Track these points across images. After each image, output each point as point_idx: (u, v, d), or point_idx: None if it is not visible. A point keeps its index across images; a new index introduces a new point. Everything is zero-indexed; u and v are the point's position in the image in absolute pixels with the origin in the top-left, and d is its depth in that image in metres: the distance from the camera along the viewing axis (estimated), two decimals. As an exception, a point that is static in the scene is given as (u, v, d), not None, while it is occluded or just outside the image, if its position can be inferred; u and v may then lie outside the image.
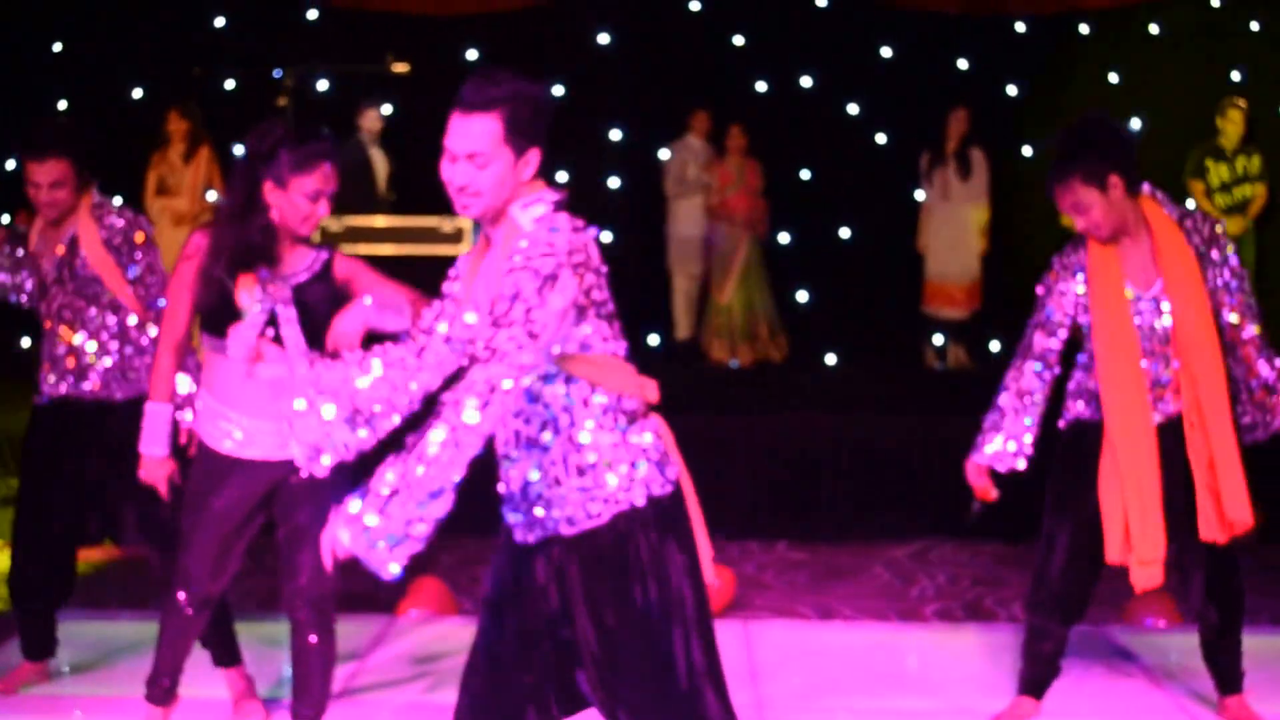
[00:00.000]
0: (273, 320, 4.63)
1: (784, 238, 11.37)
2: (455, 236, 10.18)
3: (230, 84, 11.86)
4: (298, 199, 4.54)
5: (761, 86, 11.88)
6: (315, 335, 4.58)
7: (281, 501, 4.79)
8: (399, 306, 4.22)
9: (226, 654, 5.35)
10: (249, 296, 4.60)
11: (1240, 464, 4.79)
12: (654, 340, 11.48)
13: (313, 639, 4.82)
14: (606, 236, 11.73)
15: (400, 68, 11.51)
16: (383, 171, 10.87)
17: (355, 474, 4.78)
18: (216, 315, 4.66)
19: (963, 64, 11.83)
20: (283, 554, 4.83)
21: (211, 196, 10.56)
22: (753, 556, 8.19)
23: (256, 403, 4.67)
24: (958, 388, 9.94)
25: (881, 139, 11.85)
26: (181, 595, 4.78)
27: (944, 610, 7.22)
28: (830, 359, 11.25)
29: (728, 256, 11.07)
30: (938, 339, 11.15)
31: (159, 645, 4.89)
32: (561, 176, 11.72)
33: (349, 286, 4.71)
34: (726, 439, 8.73)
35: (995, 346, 11.43)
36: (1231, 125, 10.63)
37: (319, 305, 4.64)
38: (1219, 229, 4.94)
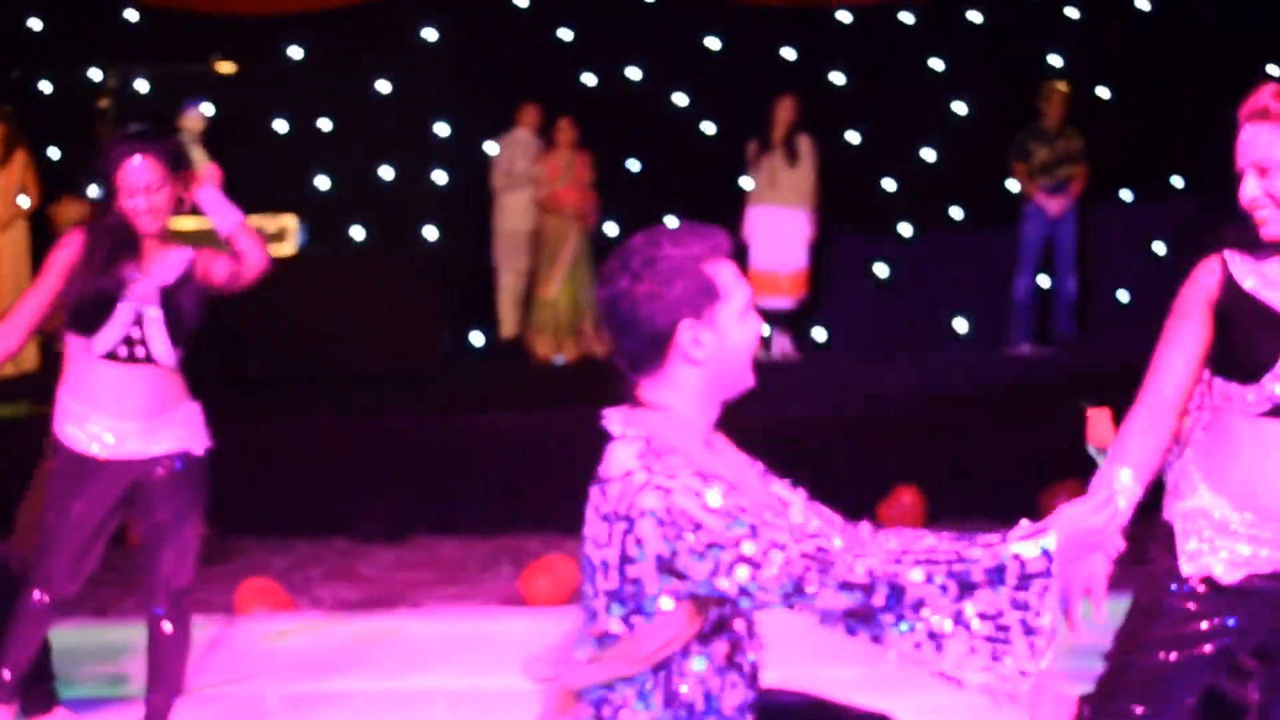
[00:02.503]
0: (139, 321, 4.71)
1: (613, 229, 11.36)
2: (279, 236, 10.09)
3: (47, 86, 11.64)
4: (125, 197, 4.64)
5: (589, 79, 11.86)
6: (181, 336, 4.77)
7: (142, 498, 4.85)
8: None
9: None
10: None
11: None
12: (479, 339, 11.44)
13: (168, 629, 4.91)
14: (432, 233, 11.67)
15: (227, 67, 11.39)
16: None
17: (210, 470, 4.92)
18: (87, 313, 4.70)
19: (788, 54, 11.89)
20: (143, 549, 4.90)
21: (24, 201, 10.35)
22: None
23: (124, 403, 4.74)
24: (785, 378, 10.00)
25: (709, 129, 11.88)
26: (38, 594, 4.82)
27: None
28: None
29: (556, 249, 11.02)
30: (764, 329, 11.14)
31: (7, 643, 4.88)
32: (387, 173, 11.67)
33: (208, 281, 4.86)
34: (552, 434, 8.69)
35: (821, 336, 11.53)
36: (1052, 108, 10.85)
37: (185, 307, 4.78)
38: None
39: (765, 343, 11.15)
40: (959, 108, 11.68)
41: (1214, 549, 3.20)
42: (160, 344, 4.75)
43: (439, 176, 11.83)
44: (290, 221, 10.10)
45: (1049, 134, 10.82)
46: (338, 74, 11.60)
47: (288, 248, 9.93)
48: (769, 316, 11.06)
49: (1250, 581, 3.19)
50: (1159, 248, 11.43)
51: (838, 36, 11.87)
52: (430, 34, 11.76)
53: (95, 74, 11.56)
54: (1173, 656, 3.21)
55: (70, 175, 11.09)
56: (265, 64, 11.74)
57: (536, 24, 11.91)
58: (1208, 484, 3.24)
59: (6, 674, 4.86)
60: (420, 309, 10.22)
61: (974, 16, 11.84)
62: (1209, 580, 3.20)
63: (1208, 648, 3.20)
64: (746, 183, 11.10)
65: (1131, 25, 11.68)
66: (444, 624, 6.83)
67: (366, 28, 11.46)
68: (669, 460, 2.63)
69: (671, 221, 11.80)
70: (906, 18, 11.84)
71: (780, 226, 10.89)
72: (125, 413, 4.76)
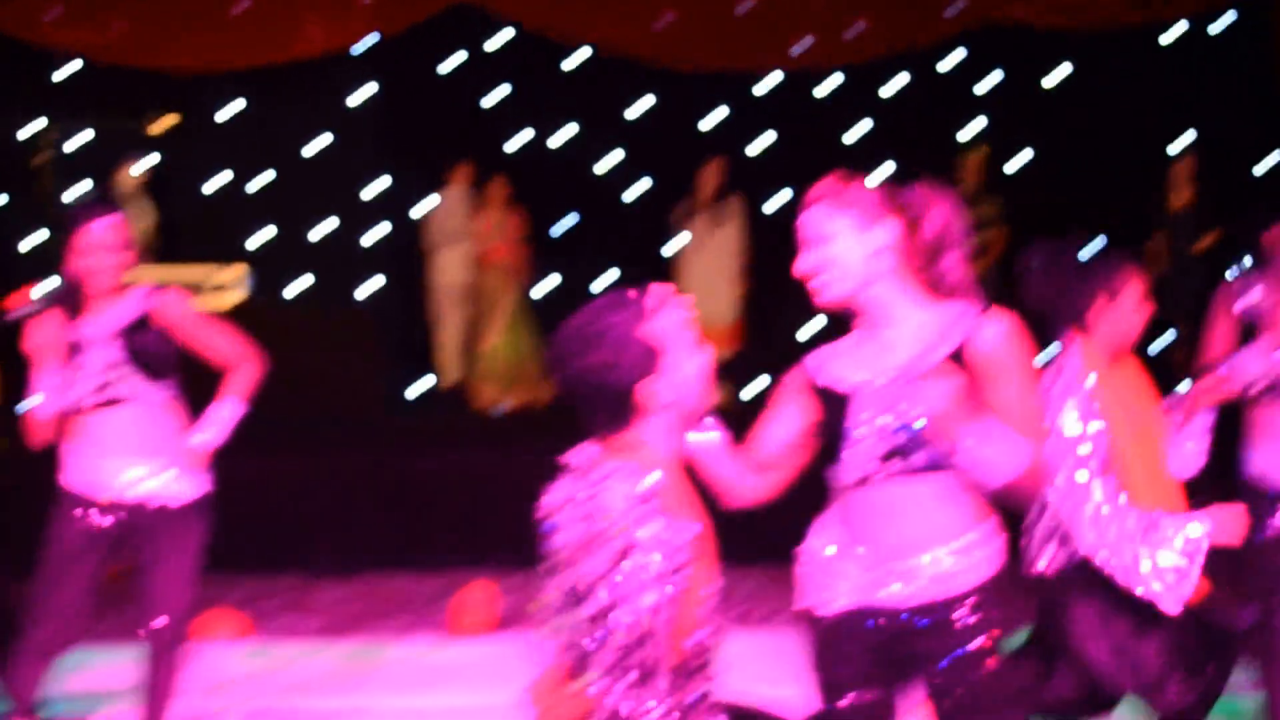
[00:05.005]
0: (110, 365, 4.99)
1: (547, 285, 11.63)
2: (223, 286, 10.27)
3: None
4: (76, 258, 4.98)
5: (521, 140, 12.15)
6: (157, 370, 5.03)
7: (139, 535, 5.07)
8: None
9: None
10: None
11: None
12: (421, 387, 11.65)
13: (160, 656, 5.11)
14: (371, 286, 11.89)
15: (165, 123, 11.56)
16: (144, 224, 10.86)
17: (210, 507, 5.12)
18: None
19: (714, 118, 12.26)
20: (139, 581, 5.10)
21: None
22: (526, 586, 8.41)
23: (117, 444, 5.00)
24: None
25: (638, 190, 12.20)
26: (44, 633, 5.03)
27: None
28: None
29: (492, 303, 11.29)
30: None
31: (13, 682, 5.07)
32: (324, 228, 11.89)
33: (170, 330, 5.10)
34: (495, 476, 8.93)
35: (763, 384, 11.81)
36: (970, 173, 11.23)
37: (150, 344, 5.03)
38: None
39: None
40: (879, 173, 12.08)
41: None
42: (125, 384, 5.00)
43: (376, 232, 12.07)
44: (236, 272, 10.29)
45: (966, 200, 11.18)
46: (273, 131, 11.83)
47: (234, 297, 10.11)
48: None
49: None
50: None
51: (762, 103, 12.25)
52: (364, 93, 12.01)
53: (33, 127, 11.69)
54: None
55: (7, 225, 11.23)
56: (202, 120, 11.93)
57: (468, 85, 12.21)
58: None
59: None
60: (362, 358, 10.42)
61: (892, 87, 12.29)
62: None
63: None
64: (675, 243, 11.42)
65: (1043, 95, 12.20)
66: (397, 650, 7.25)
67: (301, 86, 11.66)
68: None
69: (602, 283, 12.15)
70: (827, 87, 12.25)
71: (709, 284, 11.20)
72: (119, 453, 5.00)
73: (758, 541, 8.67)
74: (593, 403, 2.97)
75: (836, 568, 3.45)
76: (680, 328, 3.00)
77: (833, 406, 3.42)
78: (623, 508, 2.89)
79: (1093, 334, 4.41)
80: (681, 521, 2.90)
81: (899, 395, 3.29)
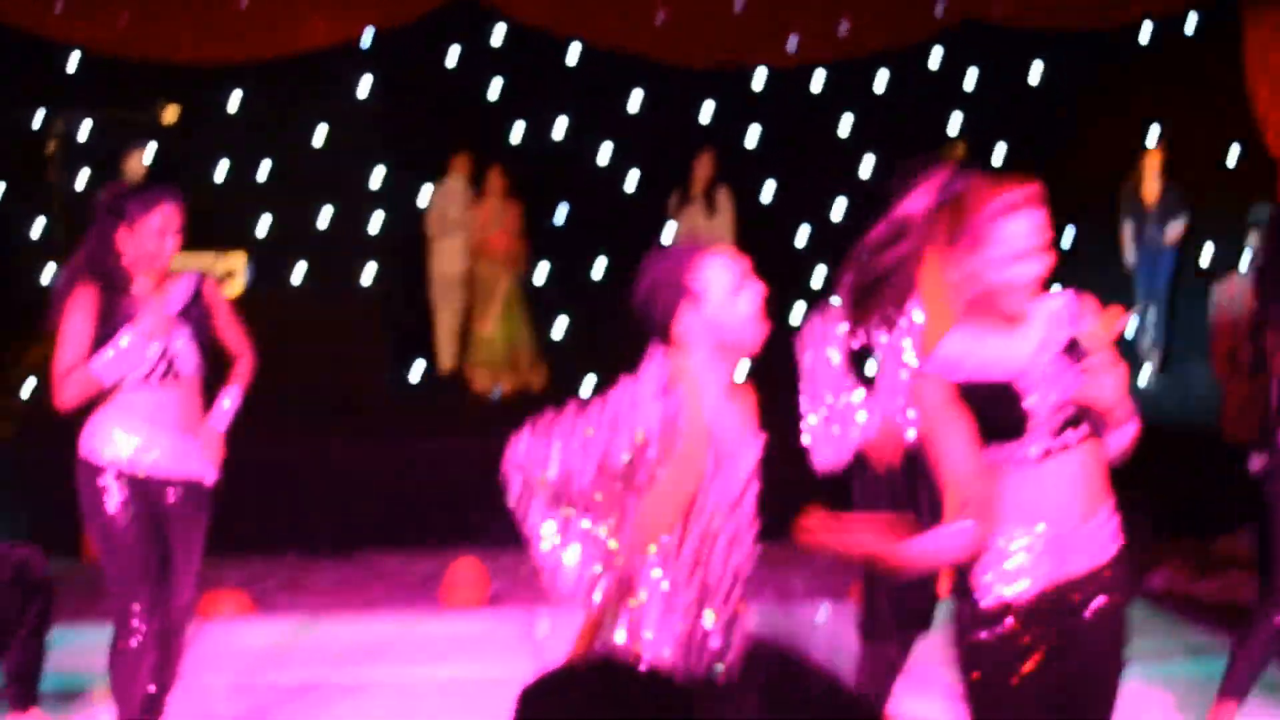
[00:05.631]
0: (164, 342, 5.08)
1: (542, 273, 11.92)
2: (227, 275, 10.52)
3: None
4: (134, 239, 5.03)
5: (519, 132, 12.43)
6: (206, 352, 5.19)
7: (172, 510, 5.16)
8: None
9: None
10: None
11: None
12: (418, 373, 11.93)
13: (169, 639, 5.20)
14: (370, 274, 12.16)
15: (171, 113, 11.76)
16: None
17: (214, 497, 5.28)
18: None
19: (707, 111, 12.53)
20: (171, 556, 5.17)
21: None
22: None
23: (159, 420, 5.09)
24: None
25: (632, 181, 12.49)
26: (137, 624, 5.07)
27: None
28: (587, 387, 11.80)
29: (489, 292, 11.57)
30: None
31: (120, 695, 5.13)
32: (325, 217, 12.15)
33: (210, 311, 5.26)
34: (489, 459, 9.20)
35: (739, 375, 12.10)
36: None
37: (205, 326, 5.21)
38: None
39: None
40: (865, 166, 12.38)
41: None
42: (184, 360, 5.13)
43: (375, 221, 12.33)
44: (238, 261, 10.55)
45: (949, 194, 11.49)
46: (276, 121, 12.06)
47: (236, 286, 10.38)
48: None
49: None
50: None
51: (754, 96, 12.48)
52: (365, 85, 12.27)
53: (40, 117, 11.91)
54: None
55: (14, 215, 11.49)
56: (207, 111, 12.15)
57: (468, 78, 12.46)
58: None
59: None
60: (361, 345, 10.67)
61: (879, 82, 12.56)
62: None
63: None
64: (668, 232, 11.70)
65: (1025, 91, 12.49)
66: (392, 625, 7.58)
67: (304, 78, 11.86)
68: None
69: (596, 272, 12.45)
70: (818, 81, 12.53)
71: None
72: (167, 429, 5.09)
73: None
74: (646, 322, 3.55)
75: (1026, 552, 3.50)
76: (724, 273, 3.54)
77: (994, 394, 3.49)
78: (641, 410, 3.42)
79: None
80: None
81: (1063, 371, 3.48)
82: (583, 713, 2.13)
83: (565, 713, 2.16)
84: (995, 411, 3.48)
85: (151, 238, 5.07)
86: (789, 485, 4.32)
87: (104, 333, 5.04)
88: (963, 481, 3.45)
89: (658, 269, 3.56)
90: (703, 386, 3.47)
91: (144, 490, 5.09)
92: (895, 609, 5.13)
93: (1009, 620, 3.47)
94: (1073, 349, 3.52)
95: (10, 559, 5.79)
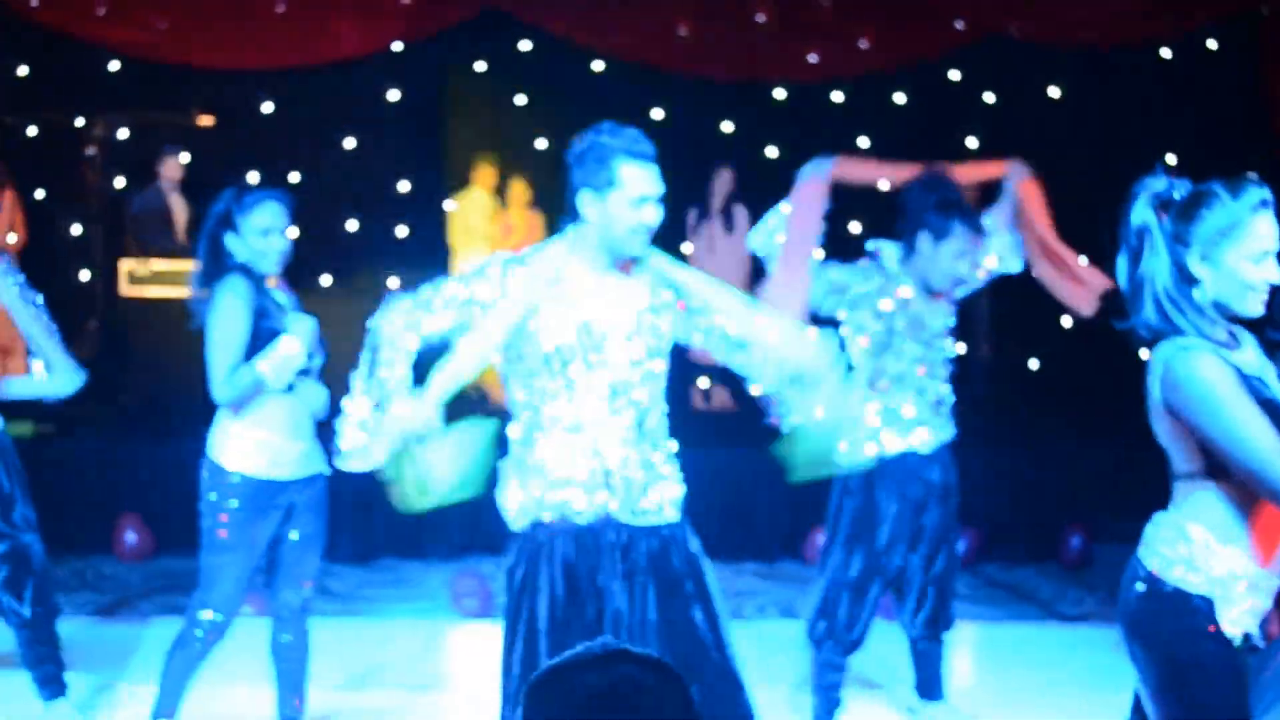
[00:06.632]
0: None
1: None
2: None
3: (33, 131, 12.22)
4: (251, 237, 5.17)
5: (542, 143, 12.63)
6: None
7: (290, 515, 5.36)
8: None
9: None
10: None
11: None
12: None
13: (290, 639, 5.55)
14: (395, 282, 12.36)
15: (205, 120, 11.99)
16: (182, 217, 11.36)
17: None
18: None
19: (726, 127, 12.69)
20: (276, 560, 5.41)
21: (11, 239, 10.93)
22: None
23: (296, 426, 5.31)
24: (723, 427, 10.74)
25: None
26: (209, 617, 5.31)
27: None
28: (603, 399, 11.96)
29: (512, 301, 11.71)
30: (703, 382, 11.83)
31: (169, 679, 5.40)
32: (352, 224, 12.35)
33: None
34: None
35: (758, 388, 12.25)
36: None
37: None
38: None
39: (705, 394, 11.84)
40: (885, 181, 12.49)
41: None
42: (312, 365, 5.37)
43: (401, 230, 12.52)
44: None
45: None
46: (307, 129, 12.28)
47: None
48: (707, 369, 11.83)
49: None
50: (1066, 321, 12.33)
51: (773, 112, 12.64)
52: (394, 95, 12.48)
53: (79, 120, 12.17)
54: None
55: (54, 215, 11.73)
56: (237, 117, 12.38)
57: (493, 90, 12.66)
58: None
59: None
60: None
61: (898, 97, 12.72)
62: None
63: None
64: (686, 248, 11.82)
65: (1043, 108, 12.62)
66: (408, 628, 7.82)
67: (335, 87, 12.11)
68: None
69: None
70: (837, 96, 12.67)
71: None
72: (298, 435, 5.32)
73: (750, 542, 9.27)
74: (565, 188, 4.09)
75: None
76: (641, 182, 4.15)
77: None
78: None
79: None
80: None
81: None
82: (589, 706, 2.27)
83: (572, 706, 2.30)
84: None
85: (269, 234, 5.20)
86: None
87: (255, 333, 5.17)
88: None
89: None
90: None
91: (270, 495, 5.25)
92: None
93: None
94: None
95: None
